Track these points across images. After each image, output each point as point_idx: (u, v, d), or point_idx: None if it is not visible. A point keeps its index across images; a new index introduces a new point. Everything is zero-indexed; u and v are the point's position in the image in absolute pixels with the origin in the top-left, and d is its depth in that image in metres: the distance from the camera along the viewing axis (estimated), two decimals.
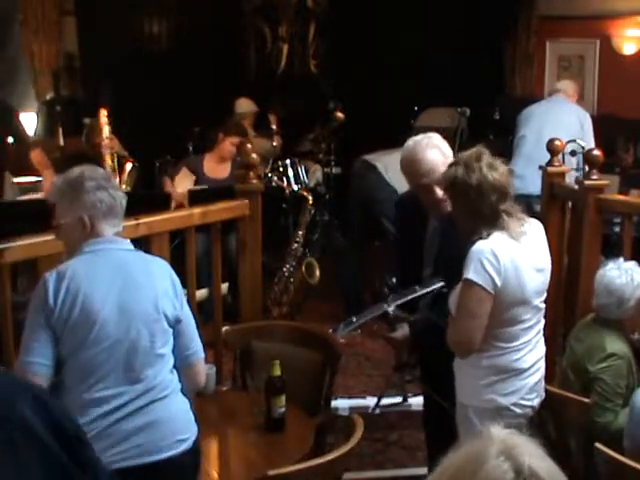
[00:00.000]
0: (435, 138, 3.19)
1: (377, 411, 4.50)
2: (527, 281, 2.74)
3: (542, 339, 2.91)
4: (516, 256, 2.70)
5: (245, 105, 7.37)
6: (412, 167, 3.13)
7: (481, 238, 2.70)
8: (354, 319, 3.16)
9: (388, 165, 5.65)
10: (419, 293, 3.06)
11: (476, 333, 2.70)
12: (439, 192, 3.05)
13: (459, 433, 2.86)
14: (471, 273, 2.67)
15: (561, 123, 5.55)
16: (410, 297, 3.07)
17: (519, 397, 2.81)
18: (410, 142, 3.18)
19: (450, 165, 2.82)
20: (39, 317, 2.38)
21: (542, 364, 2.90)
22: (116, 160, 5.56)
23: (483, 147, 2.81)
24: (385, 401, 4.56)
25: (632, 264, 3.28)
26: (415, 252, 3.27)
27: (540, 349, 2.90)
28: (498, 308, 2.71)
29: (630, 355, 3.22)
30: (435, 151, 3.10)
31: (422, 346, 3.36)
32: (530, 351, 2.82)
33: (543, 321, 2.90)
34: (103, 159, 5.44)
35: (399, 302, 3.09)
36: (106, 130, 5.56)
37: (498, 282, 2.66)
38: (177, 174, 5.77)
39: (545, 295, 2.87)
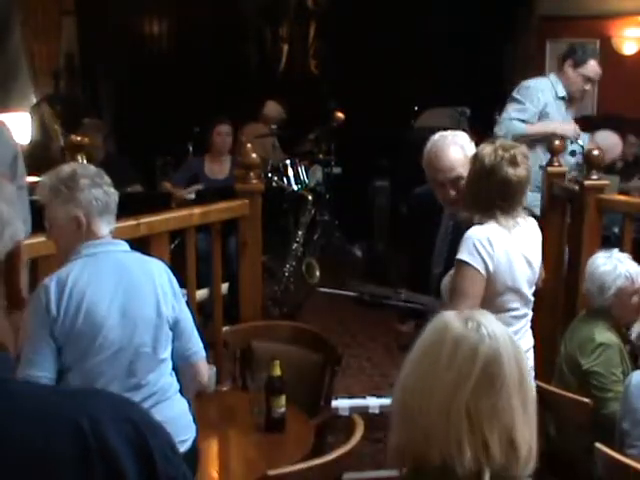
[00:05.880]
0: (460, 137, 3.15)
1: (377, 411, 4.49)
2: (517, 269, 2.79)
3: (530, 331, 2.95)
4: (508, 244, 2.76)
5: (273, 109, 7.24)
6: (431, 161, 3.11)
7: (479, 223, 2.76)
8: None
9: None
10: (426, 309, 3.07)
11: None
12: (452, 192, 3.06)
13: None
14: (465, 255, 2.72)
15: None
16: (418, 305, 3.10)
17: None
18: (436, 136, 3.15)
19: (488, 140, 2.85)
20: (41, 327, 2.31)
21: (531, 354, 2.92)
22: None
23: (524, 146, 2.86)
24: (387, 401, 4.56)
25: (623, 255, 3.32)
26: (427, 250, 3.27)
27: (529, 339, 2.94)
28: (489, 293, 2.74)
29: (620, 344, 3.25)
30: (457, 149, 3.07)
31: None
32: (519, 339, 2.84)
33: (531, 313, 2.94)
34: None
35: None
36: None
37: (490, 266, 2.72)
38: (180, 177, 5.77)
39: (534, 288, 2.91)
